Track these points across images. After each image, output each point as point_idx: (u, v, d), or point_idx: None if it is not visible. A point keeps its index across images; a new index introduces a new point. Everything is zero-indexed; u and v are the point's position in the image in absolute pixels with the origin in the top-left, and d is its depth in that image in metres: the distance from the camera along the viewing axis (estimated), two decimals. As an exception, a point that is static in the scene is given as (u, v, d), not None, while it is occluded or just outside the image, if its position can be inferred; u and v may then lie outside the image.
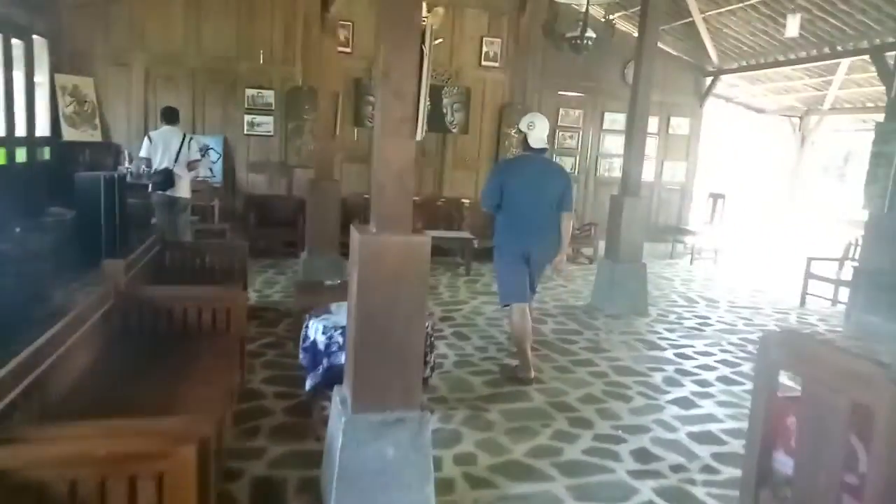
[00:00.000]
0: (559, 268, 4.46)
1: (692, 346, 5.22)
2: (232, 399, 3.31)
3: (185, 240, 6.35)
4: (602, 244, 7.89)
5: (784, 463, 1.76)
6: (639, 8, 7.77)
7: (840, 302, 6.92)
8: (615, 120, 9.61)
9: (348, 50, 8.39)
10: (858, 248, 6.95)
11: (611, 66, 9.41)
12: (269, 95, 8.28)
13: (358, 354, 2.39)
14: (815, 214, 12.28)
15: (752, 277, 8.68)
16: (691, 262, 9.52)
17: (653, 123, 8.91)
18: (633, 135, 6.21)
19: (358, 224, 2.56)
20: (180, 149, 6.18)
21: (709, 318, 6.22)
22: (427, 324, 3.25)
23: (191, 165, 6.22)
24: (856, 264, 6.78)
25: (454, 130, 8.89)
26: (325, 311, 3.50)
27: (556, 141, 9.40)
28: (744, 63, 9.24)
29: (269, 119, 8.34)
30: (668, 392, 4.17)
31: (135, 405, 2.65)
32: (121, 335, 3.41)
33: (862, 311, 6.37)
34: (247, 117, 8.26)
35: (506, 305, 4.51)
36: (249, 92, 8.21)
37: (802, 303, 7.05)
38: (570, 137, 9.54)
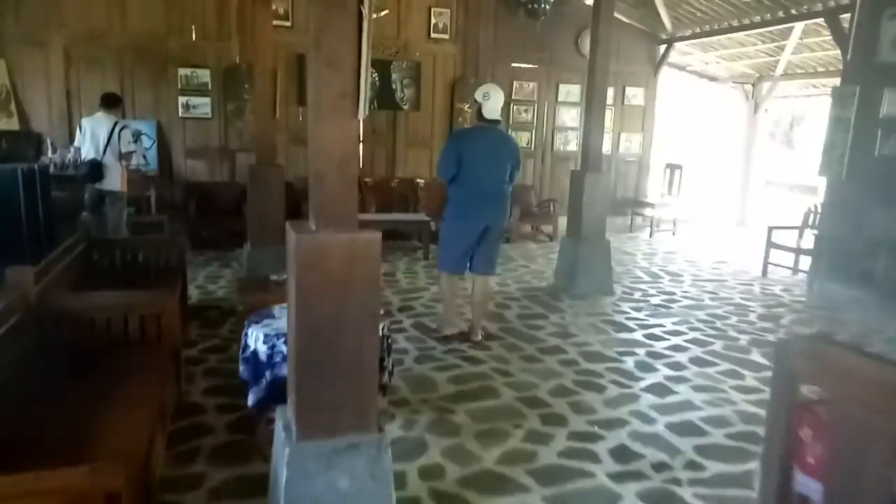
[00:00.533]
0: None
1: (661, 326, 5.04)
2: (164, 420, 2.93)
3: (120, 236, 5.84)
4: (562, 221, 7.68)
5: (804, 485, 1.51)
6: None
7: (801, 270, 6.87)
8: (570, 92, 9.35)
9: (288, 23, 7.87)
10: (818, 216, 6.90)
11: (564, 35, 9.11)
12: (204, 75, 7.70)
13: (301, 373, 2.05)
14: (768, 182, 12.36)
15: (712, 248, 8.62)
16: (651, 235, 9.41)
17: (608, 94, 8.67)
18: (592, 107, 5.95)
19: (294, 221, 2.20)
20: (109, 138, 5.66)
21: (674, 294, 6.07)
22: (382, 324, 2.93)
23: (124, 157, 5.70)
24: (815, 232, 6.73)
25: (405, 107, 8.49)
26: (268, 314, 3.14)
27: (510, 115, 9.09)
28: (697, 30, 9.07)
29: (206, 100, 7.77)
30: (641, 378, 3.96)
31: (42, 440, 2.26)
32: (33, 353, 2.97)
33: (825, 279, 6.32)
34: (181, 99, 7.67)
35: (443, 271, 4.60)
36: (182, 72, 7.61)
37: (764, 273, 6.98)
38: (525, 111, 9.24)
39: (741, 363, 4.26)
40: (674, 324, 5.11)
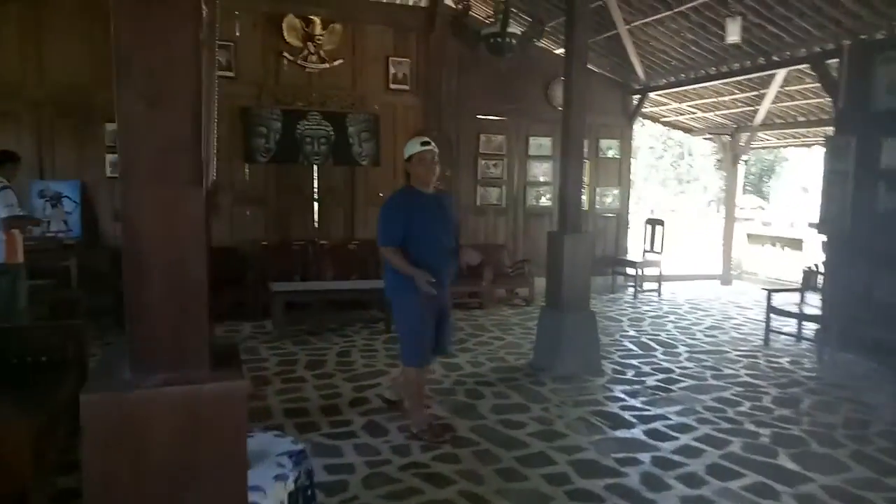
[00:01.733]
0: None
1: (663, 418, 4.21)
2: None
3: (14, 321, 4.87)
4: (539, 282, 6.92)
5: None
6: (561, 20, 6.99)
7: (806, 338, 6.16)
8: (541, 145, 8.75)
9: (230, 73, 7.15)
10: (818, 278, 6.25)
11: (532, 85, 8.56)
12: (135, 130, 6.88)
13: None
14: (750, 234, 11.87)
15: (703, 312, 7.91)
16: (635, 296, 8.69)
17: (583, 147, 8.10)
18: (570, 161, 5.27)
19: (97, 377, 1.35)
20: None
21: (671, 372, 5.27)
22: (297, 473, 2.07)
23: (4, 224, 4.80)
24: (819, 296, 6.07)
25: (364, 162, 7.75)
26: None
27: (478, 170, 8.43)
28: (672, 79, 8.61)
29: (138, 158, 6.93)
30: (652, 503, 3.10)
31: None
32: None
33: (835, 349, 5.60)
34: (109, 157, 6.82)
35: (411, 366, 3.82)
36: (111, 127, 6.77)
37: (766, 342, 6.25)
38: (495, 166, 8.58)
39: (770, 472, 3.43)
40: (678, 414, 4.29)
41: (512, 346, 5.99)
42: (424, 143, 3.64)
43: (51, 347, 3.98)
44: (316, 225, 7.70)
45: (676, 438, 3.88)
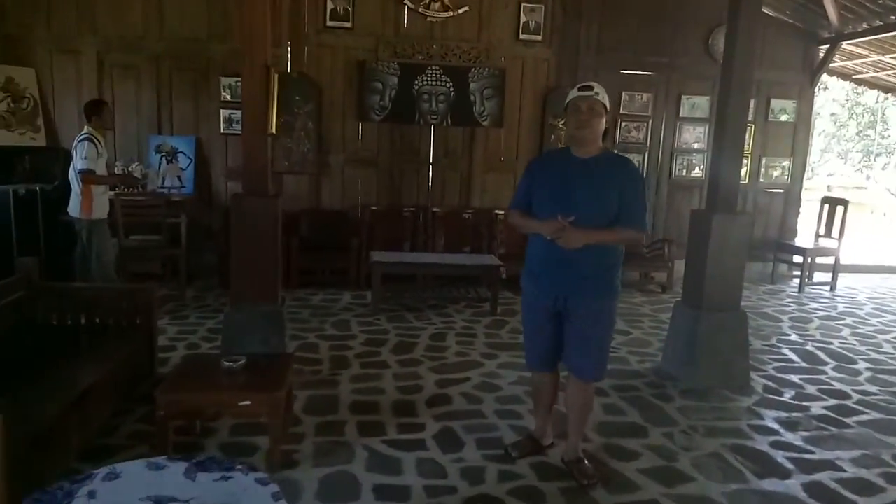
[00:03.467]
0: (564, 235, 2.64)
1: (834, 467, 3.14)
2: None
3: (101, 279, 4.79)
4: (681, 266, 5.83)
5: None
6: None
7: None
8: (696, 105, 7.44)
9: (347, 24, 6.66)
10: None
11: (690, 34, 7.25)
12: (249, 85, 6.63)
13: None
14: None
15: (892, 315, 6.34)
16: (801, 290, 7.23)
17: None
18: (727, 126, 4.15)
19: None
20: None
21: (847, 398, 4.07)
22: None
23: (82, 174, 4.74)
24: None
25: (485, 123, 6.99)
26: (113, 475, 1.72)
27: (618, 133, 7.34)
28: (877, 23, 6.87)
29: (251, 114, 6.70)
30: None
31: None
32: None
33: None
34: (224, 112, 6.66)
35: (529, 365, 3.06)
36: (226, 81, 6.60)
37: None
38: (637, 128, 7.43)
39: None
40: (855, 463, 3.18)
41: (637, 344, 5.03)
42: (583, 89, 2.71)
43: (117, 311, 3.76)
44: (429, 190, 7.10)
45: (853, 502, 2.82)
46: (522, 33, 6.99)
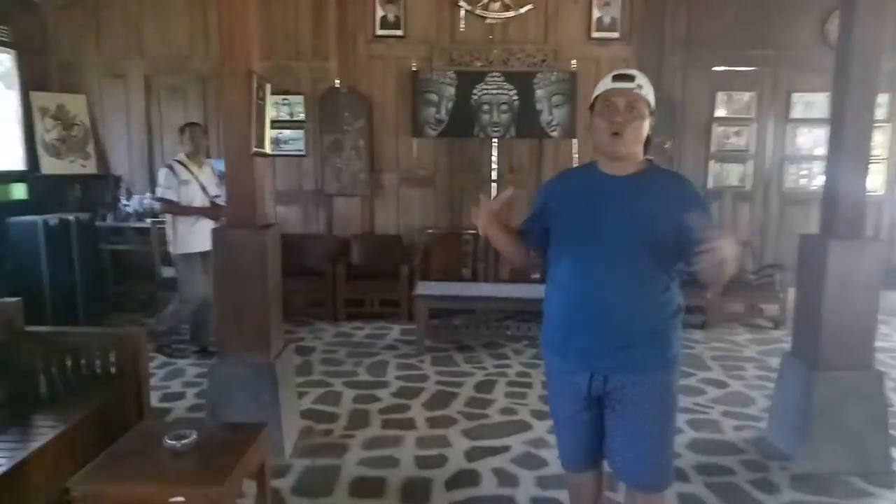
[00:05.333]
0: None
1: None
2: None
3: (164, 317, 4.66)
4: (793, 295, 4.74)
5: None
6: None
7: None
8: (810, 104, 6.24)
9: (399, 32, 6.10)
10: None
11: (800, 20, 6.09)
12: (297, 103, 6.23)
13: None
14: None
15: None
16: (955, 329, 5.80)
17: (880, 105, 5.49)
18: (845, 127, 3.12)
19: None
20: None
21: None
22: None
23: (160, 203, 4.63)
24: None
25: (554, 133, 6.17)
26: None
27: (711, 140, 6.27)
28: None
29: (300, 134, 6.29)
30: None
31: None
32: None
33: None
34: (270, 132, 6.25)
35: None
36: (272, 99, 6.20)
37: None
38: (737, 134, 6.32)
39: None
40: None
41: (735, 401, 4.01)
42: (618, 78, 1.89)
43: (104, 357, 3.31)
44: (493, 211, 6.35)
45: None
46: (596, 31, 6.13)
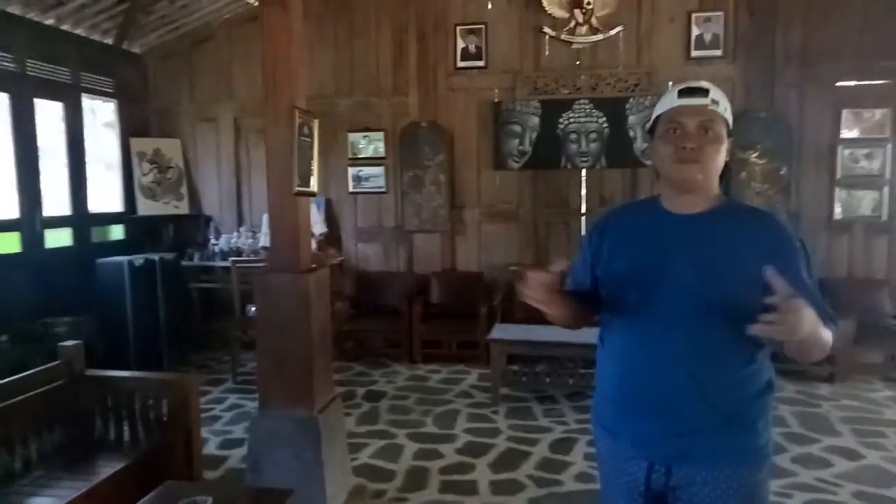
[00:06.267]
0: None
1: None
2: None
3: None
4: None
5: None
6: None
7: None
8: (962, 119, 5.32)
9: (480, 63, 5.88)
10: None
11: (946, 22, 5.25)
12: (377, 139, 6.13)
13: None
14: None
15: None
16: None
17: None
18: None
19: None
20: None
21: None
22: None
23: None
24: None
25: (649, 163, 5.64)
26: None
27: (836, 165, 5.48)
28: None
29: (380, 171, 6.17)
30: None
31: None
32: None
33: None
34: (351, 170, 6.21)
35: None
36: (353, 137, 6.16)
37: None
38: (868, 156, 5.49)
39: None
40: None
41: (874, 480, 3.27)
42: (686, 93, 1.49)
43: (157, 404, 3.23)
44: (582, 247, 5.89)
45: None
46: (695, 49, 5.60)
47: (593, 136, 5.71)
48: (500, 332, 4.64)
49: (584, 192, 5.87)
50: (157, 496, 2.44)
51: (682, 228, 1.48)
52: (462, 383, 4.97)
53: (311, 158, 3.12)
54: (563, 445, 3.73)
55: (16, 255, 4.94)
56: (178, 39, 6.24)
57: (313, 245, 4.40)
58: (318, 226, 4.63)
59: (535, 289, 1.46)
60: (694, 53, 5.60)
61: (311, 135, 3.12)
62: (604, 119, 5.66)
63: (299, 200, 2.93)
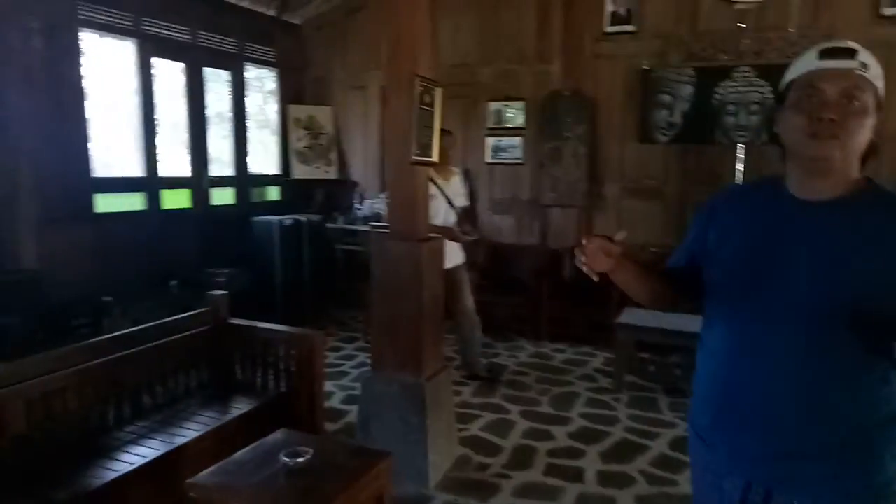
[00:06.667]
0: None
1: None
2: None
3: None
4: None
5: None
6: None
7: None
8: None
9: (630, 28, 5.51)
10: None
11: None
12: (517, 109, 6.01)
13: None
14: None
15: None
16: None
17: None
18: None
19: None
20: None
21: None
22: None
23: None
24: None
25: (820, 139, 4.99)
26: None
27: None
28: None
29: (518, 141, 6.05)
30: None
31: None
32: None
33: None
34: (489, 140, 6.16)
35: None
36: (493, 106, 6.09)
37: None
38: None
39: None
40: None
41: None
42: (829, 54, 1.23)
43: (287, 355, 3.48)
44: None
45: None
46: (889, 6, 4.81)
47: (754, 107, 5.15)
48: (630, 316, 4.40)
49: (740, 169, 5.34)
50: (270, 440, 2.62)
51: (808, 218, 1.27)
52: (586, 366, 4.82)
53: (432, 128, 3.10)
54: (686, 444, 3.48)
55: (187, 209, 5.53)
56: (334, 10, 6.52)
57: (452, 218, 4.37)
58: (459, 198, 4.51)
59: (591, 253, 1.40)
60: (886, 10, 4.81)
61: (432, 104, 3.09)
62: (768, 88, 5.07)
63: (416, 170, 2.95)
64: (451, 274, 4.11)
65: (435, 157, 3.17)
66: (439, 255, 3.08)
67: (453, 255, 4.17)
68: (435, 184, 4.19)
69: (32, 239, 4.32)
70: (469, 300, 4.44)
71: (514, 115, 6.02)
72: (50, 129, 4.38)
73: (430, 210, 3.93)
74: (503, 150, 6.11)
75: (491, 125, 6.11)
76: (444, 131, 4.34)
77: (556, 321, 5.45)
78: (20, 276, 4.05)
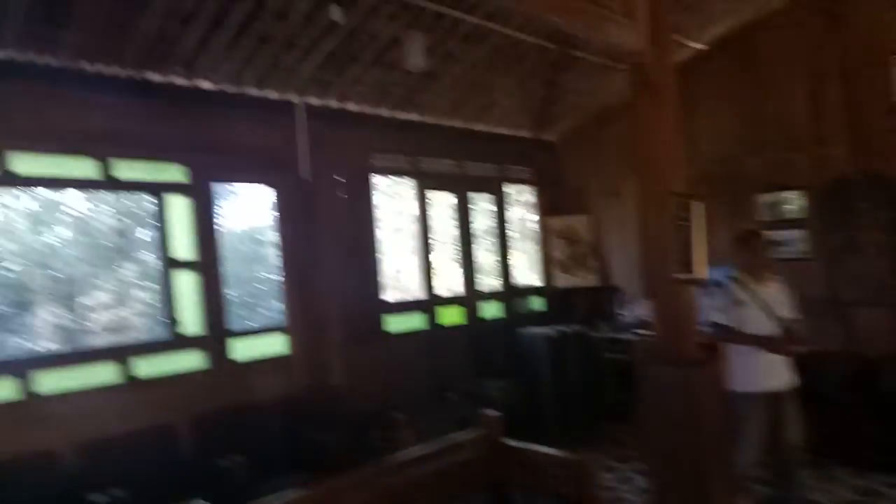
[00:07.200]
0: None
1: None
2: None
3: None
4: None
5: None
6: None
7: None
8: None
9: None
10: None
11: None
12: (795, 198, 5.44)
13: None
14: None
15: None
16: None
17: None
18: None
19: None
20: None
21: None
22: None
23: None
24: None
25: None
26: None
27: None
28: None
29: (798, 234, 5.43)
30: None
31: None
32: None
33: None
34: (767, 234, 5.60)
35: None
36: (764, 198, 5.60)
37: None
38: None
39: None
40: None
41: None
42: None
43: (558, 481, 3.42)
44: None
45: None
46: None
47: None
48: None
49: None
50: None
51: None
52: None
53: (691, 243, 2.95)
54: None
55: (461, 325, 5.96)
56: (586, 123, 6.76)
57: (777, 330, 3.58)
58: (781, 307, 3.68)
59: None
60: None
61: (688, 218, 2.96)
62: None
63: (680, 288, 2.81)
64: (775, 398, 3.47)
65: (701, 273, 3.00)
66: (718, 380, 2.84)
67: (776, 372, 3.51)
68: (746, 289, 3.67)
69: (338, 358, 5.03)
70: (795, 433, 3.55)
71: (792, 205, 5.45)
72: (350, 262, 5.16)
73: (740, 320, 3.55)
74: (780, 244, 5.51)
75: (763, 218, 5.60)
76: (749, 232, 3.99)
77: (882, 447, 4.51)
78: (332, 392, 4.71)
